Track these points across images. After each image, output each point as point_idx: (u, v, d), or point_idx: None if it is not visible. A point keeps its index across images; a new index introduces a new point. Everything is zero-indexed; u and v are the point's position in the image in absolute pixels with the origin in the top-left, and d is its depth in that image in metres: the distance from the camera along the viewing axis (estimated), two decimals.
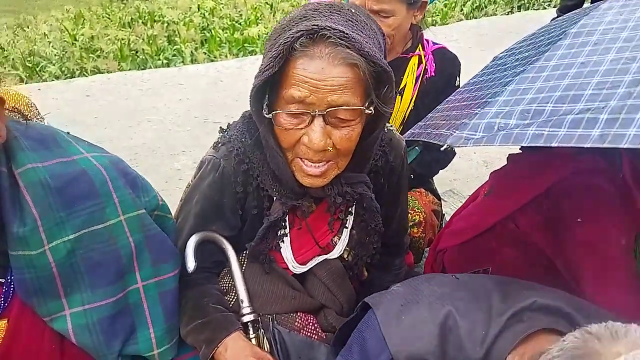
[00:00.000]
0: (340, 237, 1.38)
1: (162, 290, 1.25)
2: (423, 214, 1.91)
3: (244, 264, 1.36)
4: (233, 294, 1.34)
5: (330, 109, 1.03)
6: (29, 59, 5.18)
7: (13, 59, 5.24)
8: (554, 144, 0.85)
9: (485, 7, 7.61)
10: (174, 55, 5.12)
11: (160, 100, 3.62)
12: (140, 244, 1.20)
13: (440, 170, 2.23)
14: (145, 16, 6.48)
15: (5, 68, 5.10)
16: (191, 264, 1.24)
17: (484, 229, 1.54)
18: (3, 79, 4.82)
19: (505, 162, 1.65)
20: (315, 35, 0.99)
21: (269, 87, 1.10)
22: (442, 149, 1.01)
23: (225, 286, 1.36)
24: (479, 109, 1.01)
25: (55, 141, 1.16)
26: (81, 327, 1.15)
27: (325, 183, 1.17)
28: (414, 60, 1.99)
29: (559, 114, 0.87)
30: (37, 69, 4.92)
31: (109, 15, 7.03)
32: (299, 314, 1.36)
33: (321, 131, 1.05)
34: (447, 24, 6.02)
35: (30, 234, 1.06)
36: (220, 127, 1.33)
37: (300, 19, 1.06)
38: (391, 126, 1.39)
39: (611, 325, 0.75)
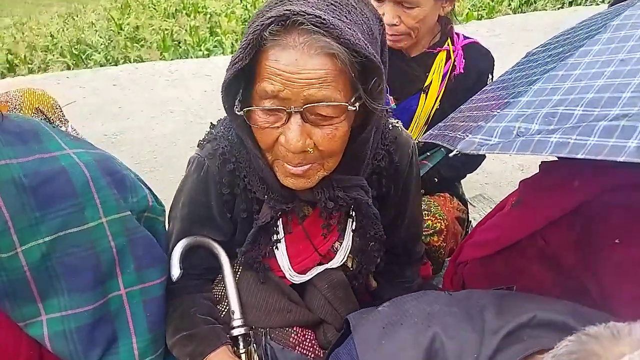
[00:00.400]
0: (341, 244, 1.26)
1: (147, 297, 1.16)
2: (445, 221, 1.76)
3: (238, 271, 1.26)
4: (225, 304, 1.24)
5: (308, 105, 0.91)
6: (76, 46, 5.32)
7: (61, 46, 5.38)
8: (580, 155, 0.70)
9: (535, 2, 7.28)
10: (215, 46, 5.15)
11: (185, 92, 3.58)
12: (123, 249, 1.12)
13: (470, 173, 2.07)
14: (189, 7, 6.57)
15: (53, 55, 5.25)
16: (175, 271, 1.15)
17: (509, 244, 1.38)
18: (51, 66, 4.95)
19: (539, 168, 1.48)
20: (287, 21, 0.86)
21: (244, 82, 0.98)
22: (451, 154, 0.86)
23: (218, 295, 1.27)
24: (497, 110, 0.87)
25: (35, 136, 1.09)
26: (58, 334, 1.08)
27: (311, 185, 1.05)
28: (442, 56, 1.83)
29: (589, 119, 0.72)
30: (83, 57, 5.03)
31: (155, 5, 7.16)
32: (295, 329, 1.25)
33: (299, 130, 0.93)
34: (493, 18, 5.76)
35: (0, 236, 0.99)
36: (211, 123, 1.23)
37: (275, 3, 0.93)
38: (397, 122, 1.25)
39: (612, 325, 0.64)
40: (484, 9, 6.04)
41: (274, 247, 1.22)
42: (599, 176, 1.19)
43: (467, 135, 0.85)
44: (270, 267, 1.24)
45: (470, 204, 2.36)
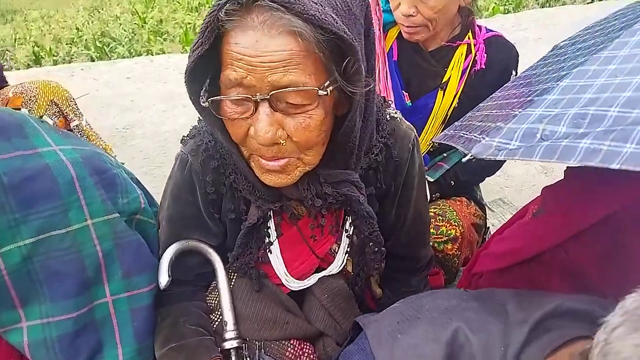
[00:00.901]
0: (340, 245, 1.16)
1: (135, 306, 1.09)
2: (460, 228, 1.65)
3: (233, 278, 1.17)
4: (218, 313, 1.16)
5: (274, 92, 0.81)
6: (100, 39, 5.37)
7: (86, 39, 5.44)
8: (615, 166, 0.59)
9: None
10: None
11: None
12: (109, 253, 1.04)
13: (490, 177, 1.94)
14: (212, 1, 6.55)
15: (78, 48, 5.31)
16: (163, 279, 1.07)
17: (528, 256, 1.26)
18: (75, 58, 4.99)
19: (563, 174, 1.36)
20: (244, 0, 0.77)
21: (212, 70, 0.88)
22: (464, 159, 0.76)
23: (212, 303, 1.18)
24: (519, 110, 0.76)
25: (20, 131, 1.02)
26: (38, 342, 1.01)
27: (291, 181, 0.95)
28: (462, 50, 1.71)
29: (625, 122, 0.61)
30: (107, 50, 5.06)
31: None
32: (292, 342, 1.16)
33: (267, 120, 0.83)
34: (519, 12, 5.58)
35: None
36: (198, 119, 1.14)
37: None
38: (396, 113, 1.15)
39: None
40: (511, 3, 5.85)
41: (268, 251, 1.13)
42: (630, 185, 1.07)
43: (484, 138, 0.74)
44: (266, 274, 1.16)
45: (489, 208, 2.24)
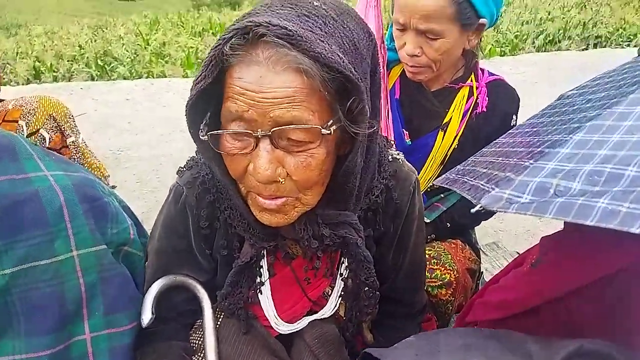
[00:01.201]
0: (333, 288, 1.12)
1: (115, 344, 1.03)
2: (455, 272, 1.60)
3: (220, 317, 1.12)
4: (202, 355, 1.10)
5: (276, 128, 0.79)
6: (102, 58, 5.40)
7: (88, 57, 5.47)
8: (635, 230, 0.56)
9: (559, 41, 7.20)
10: None
11: None
12: (93, 287, 0.99)
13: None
14: (216, 27, 6.68)
15: (79, 65, 5.33)
16: (146, 316, 1.02)
17: (525, 308, 1.22)
18: (75, 75, 4.99)
19: (563, 224, 1.33)
20: (250, 34, 0.75)
21: (214, 104, 0.87)
22: (473, 210, 0.73)
23: (195, 343, 1.12)
24: (530, 161, 0.73)
25: (11, 154, 0.98)
26: None
27: (288, 221, 0.92)
28: (464, 92, 1.71)
29: None
30: (108, 69, 5.08)
31: (183, 23, 7.31)
32: None
33: (267, 157, 0.81)
34: (516, 55, 5.68)
35: None
36: (196, 150, 1.11)
37: (243, 16, 0.82)
38: (398, 154, 1.12)
39: None
40: (507, 46, 5.97)
41: (258, 291, 1.08)
42: (638, 243, 1.04)
43: (493, 188, 0.71)
44: (255, 315, 1.11)
45: (483, 252, 2.20)
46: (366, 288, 1.10)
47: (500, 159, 0.95)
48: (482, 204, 0.69)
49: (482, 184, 0.83)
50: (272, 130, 0.79)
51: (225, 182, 0.93)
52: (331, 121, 0.82)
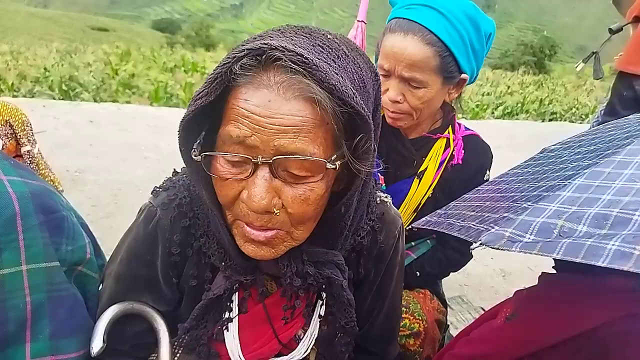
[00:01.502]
0: (306, 332, 1.05)
1: None
2: (424, 322, 1.56)
3: (177, 352, 1.02)
4: None
5: (278, 157, 0.74)
6: (67, 83, 5.29)
7: (52, 80, 5.36)
8: None
9: (517, 114, 7.56)
10: None
11: (165, 139, 3.41)
12: (40, 308, 0.89)
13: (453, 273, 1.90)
14: (188, 64, 6.73)
15: (42, 87, 5.20)
16: (97, 344, 0.92)
17: None
18: (37, 97, 4.83)
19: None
20: (263, 56, 0.72)
21: (210, 124, 0.82)
22: (473, 247, 0.70)
23: None
24: (528, 203, 0.71)
25: None
26: None
27: (274, 255, 0.86)
28: (441, 143, 1.72)
29: None
30: (72, 94, 4.96)
31: (155, 58, 7.32)
32: None
33: (265, 186, 0.76)
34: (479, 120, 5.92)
35: None
36: (174, 170, 1.05)
37: (254, 38, 0.79)
38: (386, 197, 1.09)
39: None
40: (469, 114, 6.23)
41: (225, 328, 1.00)
42: (614, 302, 1.04)
43: (492, 227, 0.68)
44: (218, 353, 1.02)
45: (448, 305, 2.18)
46: (341, 334, 1.03)
47: (488, 203, 0.93)
48: (483, 241, 0.66)
49: (473, 224, 0.80)
50: (273, 159, 0.74)
51: (211, 208, 0.87)
52: (335, 156, 0.78)
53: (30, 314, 0.87)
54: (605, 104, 4.41)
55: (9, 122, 1.87)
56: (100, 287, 1.05)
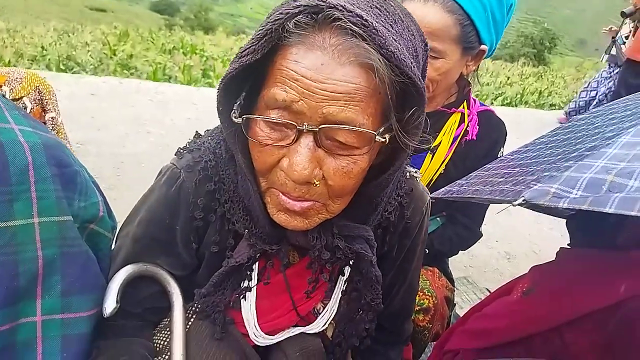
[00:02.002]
0: (325, 306, 1.02)
1: (69, 332, 0.89)
2: (434, 299, 1.54)
3: (190, 318, 0.99)
4: (167, 356, 0.96)
5: (325, 126, 0.70)
6: (64, 62, 5.23)
7: (49, 59, 5.28)
8: None
9: (516, 105, 7.52)
10: (205, 86, 5.15)
11: (167, 115, 3.35)
12: (52, 263, 0.85)
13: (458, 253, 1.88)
14: (186, 47, 6.70)
15: (39, 66, 5.14)
16: (110, 305, 0.89)
17: (515, 338, 1.16)
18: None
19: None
20: (320, 15, 0.67)
21: (250, 84, 0.77)
22: (515, 203, 0.66)
23: (160, 343, 0.99)
24: (570, 162, 0.68)
25: None
26: None
27: (307, 227, 0.82)
28: (455, 118, 1.69)
29: None
30: (69, 73, 4.91)
31: (153, 39, 7.27)
32: None
33: (308, 155, 0.72)
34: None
35: None
36: (196, 132, 1.01)
37: None
38: (415, 172, 1.05)
39: None
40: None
41: (242, 297, 0.97)
42: None
43: (534, 185, 0.65)
44: (232, 320, 0.99)
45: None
46: (366, 310, 1.01)
47: (518, 169, 0.90)
48: (527, 197, 0.63)
49: (507, 187, 0.77)
50: (320, 127, 0.70)
51: (246, 173, 0.83)
52: (383, 128, 0.74)
53: (41, 269, 0.84)
54: (585, 86, 4.38)
55: (39, 89, 1.92)
56: (113, 247, 1.02)
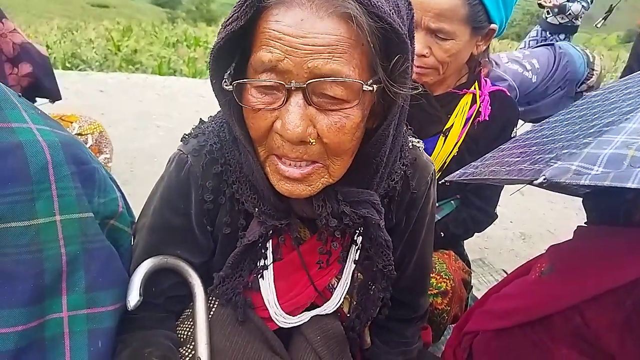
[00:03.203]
0: (339, 280, 1.03)
1: (95, 327, 0.90)
2: (451, 282, 1.54)
3: (212, 307, 1.01)
4: (191, 347, 0.98)
5: (312, 80, 0.71)
6: (70, 60, 5.26)
7: (55, 57, 5.31)
8: None
9: None
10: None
11: (175, 108, 3.36)
12: (75, 259, 0.87)
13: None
14: (190, 39, 6.70)
15: None
16: (133, 298, 0.90)
17: (535, 317, 1.17)
18: None
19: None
20: None
21: (240, 53, 0.79)
22: (536, 183, 0.66)
23: (183, 334, 1.00)
24: (589, 138, 0.68)
25: None
26: None
27: (311, 193, 0.83)
28: (467, 99, 1.67)
29: None
30: (76, 71, 4.95)
31: (157, 33, 7.28)
32: None
33: (299, 112, 0.73)
34: None
35: None
36: (200, 119, 1.02)
37: None
38: (418, 142, 1.06)
39: None
40: None
41: (260, 276, 0.98)
42: None
43: (555, 163, 0.65)
44: (253, 305, 1.00)
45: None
46: (373, 285, 1.02)
47: (534, 147, 0.90)
48: (547, 175, 0.63)
49: (525, 166, 0.76)
50: (307, 83, 0.71)
51: (244, 144, 0.84)
52: (371, 80, 0.75)
53: (65, 266, 0.85)
54: (537, 26, 4.28)
55: (101, 133, 2.18)
56: (133, 241, 1.03)
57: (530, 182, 0.67)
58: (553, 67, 2.68)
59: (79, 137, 2.11)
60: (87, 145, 2.09)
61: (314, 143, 0.76)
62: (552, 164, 0.65)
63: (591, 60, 2.88)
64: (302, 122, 0.73)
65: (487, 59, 1.72)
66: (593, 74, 2.79)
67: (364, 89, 0.73)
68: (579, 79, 2.75)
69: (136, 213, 1.07)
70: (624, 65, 2.72)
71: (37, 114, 0.92)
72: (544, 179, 0.63)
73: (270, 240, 0.98)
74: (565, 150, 0.69)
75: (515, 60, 2.56)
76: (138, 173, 2.50)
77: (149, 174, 2.54)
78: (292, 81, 0.72)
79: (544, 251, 1.31)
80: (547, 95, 2.67)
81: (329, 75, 0.71)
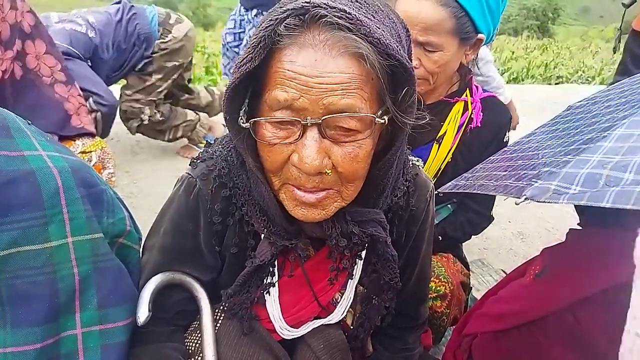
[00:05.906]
0: (343, 294, 1.07)
1: (107, 342, 0.95)
2: (450, 285, 1.59)
3: (219, 320, 1.05)
4: (199, 358, 1.02)
5: (327, 116, 0.75)
6: None
7: None
8: None
9: (522, 80, 7.46)
10: (209, 84, 5.26)
11: None
12: (87, 278, 0.92)
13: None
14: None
15: None
16: (143, 314, 0.95)
17: (530, 319, 1.21)
18: None
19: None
20: (307, 15, 0.73)
21: (252, 90, 0.83)
22: (519, 202, 0.71)
23: (192, 346, 1.05)
24: (569, 156, 0.72)
25: (5, 130, 0.90)
26: None
27: (325, 217, 0.87)
28: (459, 107, 1.72)
29: None
30: None
31: None
32: None
33: (316, 147, 0.77)
34: None
35: None
36: (207, 141, 1.07)
37: (290, 0, 0.79)
38: (417, 160, 1.10)
39: None
40: None
41: (266, 292, 1.03)
42: None
43: (535, 182, 0.69)
44: (258, 317, 1.05)
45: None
46: (385, 291, 1.06)
47: (520, 162, 0.94)
48: (528, 195, 0.67)
49: (510, 182, 0.81)
50: (322, 119, 0.75)
51: (257, 175, 0.88)
52: (381, 111, 0.79)
53: (78, 285, 0.90)
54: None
55: (104, 150, 2.21)
56: (141, 257, 1.08)
57: (515, 201, 0.71)
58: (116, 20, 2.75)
59: (83, 154, 2.17)
60: (92, 163, 2.15)
61: (329, 173, 0.80)
62: (533, 182, 0.70)
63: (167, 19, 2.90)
64: (319, 155, 0.77)
65: (475, 67, 1.76)
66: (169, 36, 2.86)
67: (376, 121, 0.78)
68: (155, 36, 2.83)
69: (141, 226, 1.11)
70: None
71: (46, 141, 0.97)
72: (525, 199, 0.67)
73: (277, 259, 1.02)
74: (546, 168, 0.73)
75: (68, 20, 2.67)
76: (142, 186, 2.54)
77: (151, 186, 2.58)
78: (308, 117, 0.76)
79: (539, 253, 1.35)
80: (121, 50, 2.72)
81: (343, 110, 0.75)
